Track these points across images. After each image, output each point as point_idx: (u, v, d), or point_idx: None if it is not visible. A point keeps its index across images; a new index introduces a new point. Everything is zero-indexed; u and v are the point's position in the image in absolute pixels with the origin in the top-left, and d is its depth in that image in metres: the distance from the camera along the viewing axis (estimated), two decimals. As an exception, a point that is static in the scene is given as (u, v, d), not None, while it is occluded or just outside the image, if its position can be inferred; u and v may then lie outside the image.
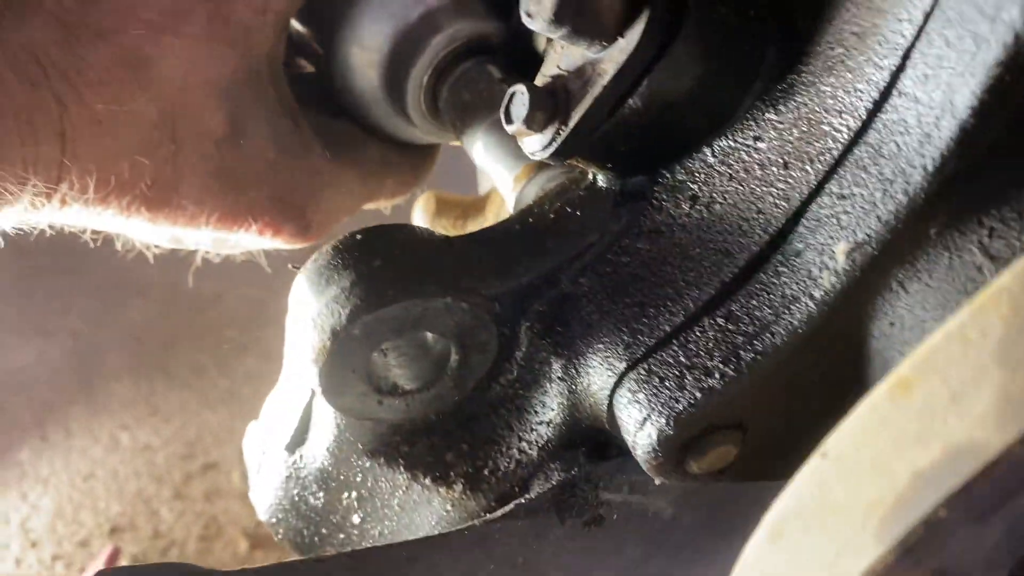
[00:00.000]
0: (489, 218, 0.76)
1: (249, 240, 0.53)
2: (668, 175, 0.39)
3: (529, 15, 0.34)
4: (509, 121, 0.38)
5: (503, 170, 0.50)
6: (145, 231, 0.52)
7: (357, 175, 0.56)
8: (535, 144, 0.38)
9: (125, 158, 0.46)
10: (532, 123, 0.37)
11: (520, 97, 0.37)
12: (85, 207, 0.47)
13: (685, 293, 0.37)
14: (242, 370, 1.64)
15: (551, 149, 0.38)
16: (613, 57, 0.35)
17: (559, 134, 0.37)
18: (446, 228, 0.79)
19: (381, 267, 0.37)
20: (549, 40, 0.42)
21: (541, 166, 0.48)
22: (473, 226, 0.78)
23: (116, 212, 0.48)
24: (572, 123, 0.37)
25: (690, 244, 0.38)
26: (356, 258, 0.37)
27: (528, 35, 0.52)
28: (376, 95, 0.55)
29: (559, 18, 0.33)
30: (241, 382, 1.63)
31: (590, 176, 0.41)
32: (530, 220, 0.42)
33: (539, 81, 0.38)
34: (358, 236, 0.38)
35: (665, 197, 0.39)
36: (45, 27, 0.43)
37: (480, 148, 0.51)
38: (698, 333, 0.36)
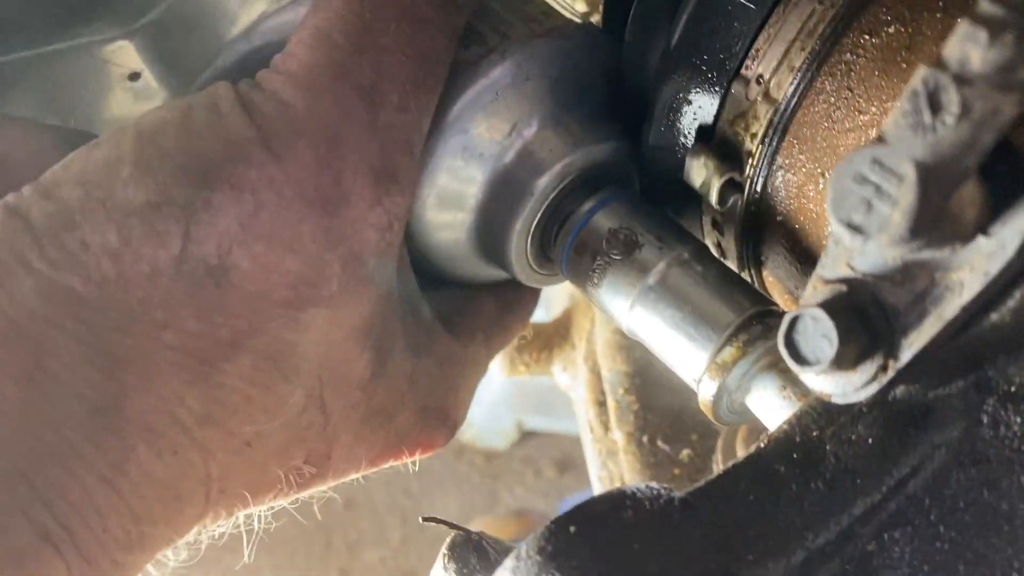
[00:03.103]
0: (579, 347, 0.65)
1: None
2: (996, 376, 0.29)
3: (859, 230, 0.23)
4: (801, 361, 0.26)
5: (686, 350, 0.38)
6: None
7: (482, 344, 0.47)
8: (842, 385, 0.27)
9: (277, 464, 0.36)
10: (842, 363, 0.26)
11: (814, 326, 0.26)
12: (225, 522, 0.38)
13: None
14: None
15: (869, 391, 0.26)
16: (973, 264, 0.24)
17: (884, 371, 0.26)
18: (529, 365, 0.67)
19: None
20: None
21: (751, 342, 0.37)
22: (561, 358, 0.66)
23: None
24: (906, 357, 0.25)
25: (1070, 480, 0.27)
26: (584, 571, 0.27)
27: (661, 151, 0.40)
28: (464, 251, 0.43)
29: (916, 232, 0.22)
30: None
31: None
32: (795, 456, 0.31)
33: (823, 290, 0.27)
34: (572, 529, 0.28)
35: (1002, 409, 0.29)
36: (175, 372, 0.32)
37: (640, 319, 0.39)
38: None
